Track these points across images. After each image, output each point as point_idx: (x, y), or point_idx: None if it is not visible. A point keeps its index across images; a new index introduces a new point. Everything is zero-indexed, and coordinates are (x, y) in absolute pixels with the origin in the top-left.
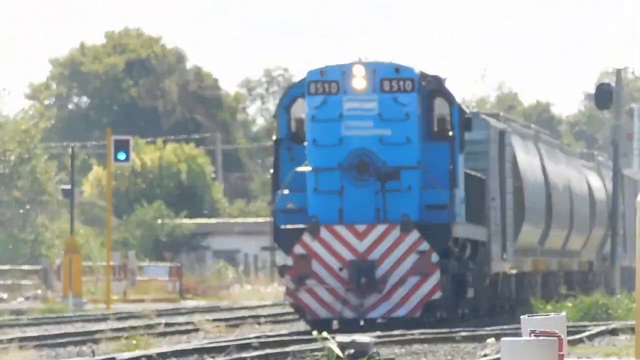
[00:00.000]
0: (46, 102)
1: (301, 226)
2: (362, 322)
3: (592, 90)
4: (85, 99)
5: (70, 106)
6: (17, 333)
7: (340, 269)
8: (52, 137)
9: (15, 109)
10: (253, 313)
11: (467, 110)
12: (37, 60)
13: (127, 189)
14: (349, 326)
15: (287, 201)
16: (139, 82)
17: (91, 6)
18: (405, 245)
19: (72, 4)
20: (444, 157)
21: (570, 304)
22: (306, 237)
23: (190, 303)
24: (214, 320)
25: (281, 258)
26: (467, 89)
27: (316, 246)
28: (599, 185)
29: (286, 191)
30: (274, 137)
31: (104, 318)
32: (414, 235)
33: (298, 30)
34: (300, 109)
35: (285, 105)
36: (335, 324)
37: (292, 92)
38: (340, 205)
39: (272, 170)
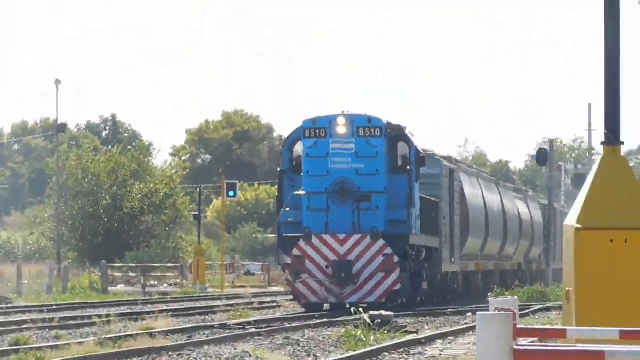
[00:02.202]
0: (183, 158)
1: (298, 235)
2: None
3: (534, 153)
4: (208, 157)
5: (198, 161)
6: (163, 307)
7: (326, 267)
8: (186, 181)
9: (161, 162)
10: None
11: (422, 151)
12: (176, 129)
13: (235, 214)
14: (335, 309)
15: (288, 216)
16: (243, 146)
17: (211, 90)
18: (374, 250)
19: (198, 89)
20: (404, 185)
21: (519, 291)
22: (301, 243)
23: (274, 289)
24: (291, 300)
25: (284, 258)
26: (453, 151)
27: (308, 249)
28: (526, 211)
29: (287, 209)
30: (279, 169)
31: (219, 297)
32: (381, 242)
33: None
34: (299, 149)
35: (288, 145)
36: (325, 307)
37: (293, 136)
38: (326, 220)
39: (277, 194)
